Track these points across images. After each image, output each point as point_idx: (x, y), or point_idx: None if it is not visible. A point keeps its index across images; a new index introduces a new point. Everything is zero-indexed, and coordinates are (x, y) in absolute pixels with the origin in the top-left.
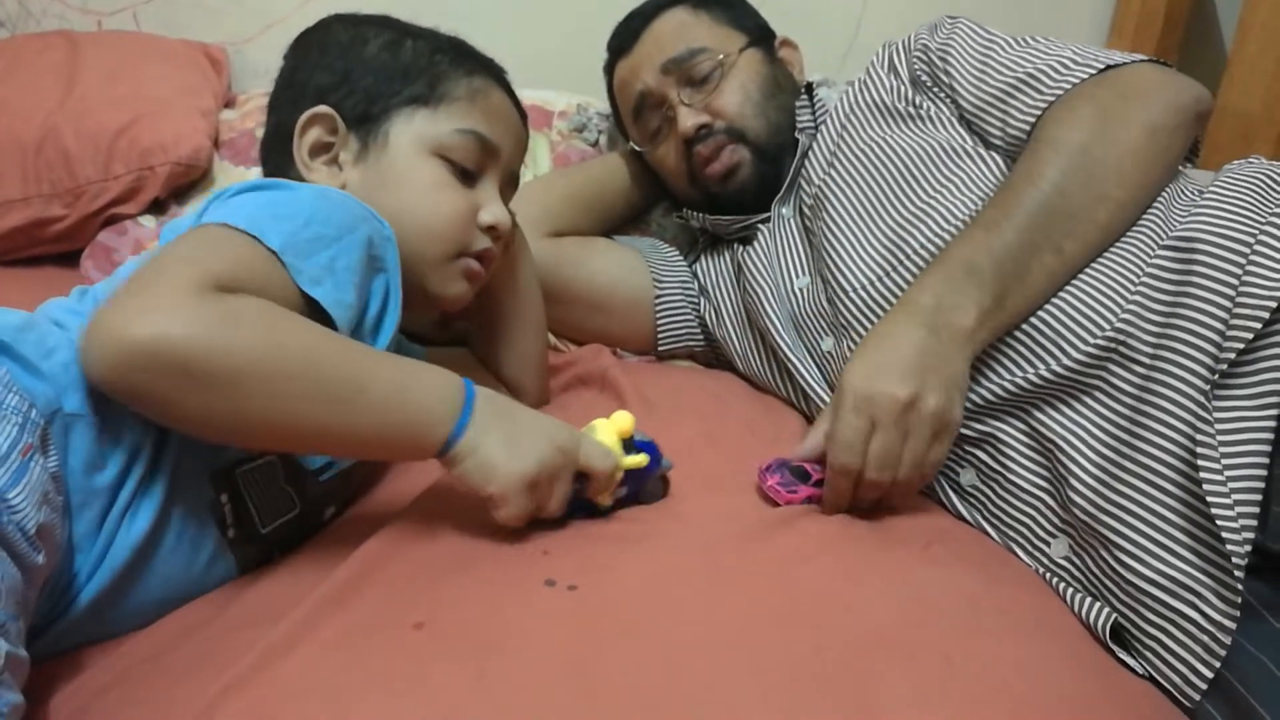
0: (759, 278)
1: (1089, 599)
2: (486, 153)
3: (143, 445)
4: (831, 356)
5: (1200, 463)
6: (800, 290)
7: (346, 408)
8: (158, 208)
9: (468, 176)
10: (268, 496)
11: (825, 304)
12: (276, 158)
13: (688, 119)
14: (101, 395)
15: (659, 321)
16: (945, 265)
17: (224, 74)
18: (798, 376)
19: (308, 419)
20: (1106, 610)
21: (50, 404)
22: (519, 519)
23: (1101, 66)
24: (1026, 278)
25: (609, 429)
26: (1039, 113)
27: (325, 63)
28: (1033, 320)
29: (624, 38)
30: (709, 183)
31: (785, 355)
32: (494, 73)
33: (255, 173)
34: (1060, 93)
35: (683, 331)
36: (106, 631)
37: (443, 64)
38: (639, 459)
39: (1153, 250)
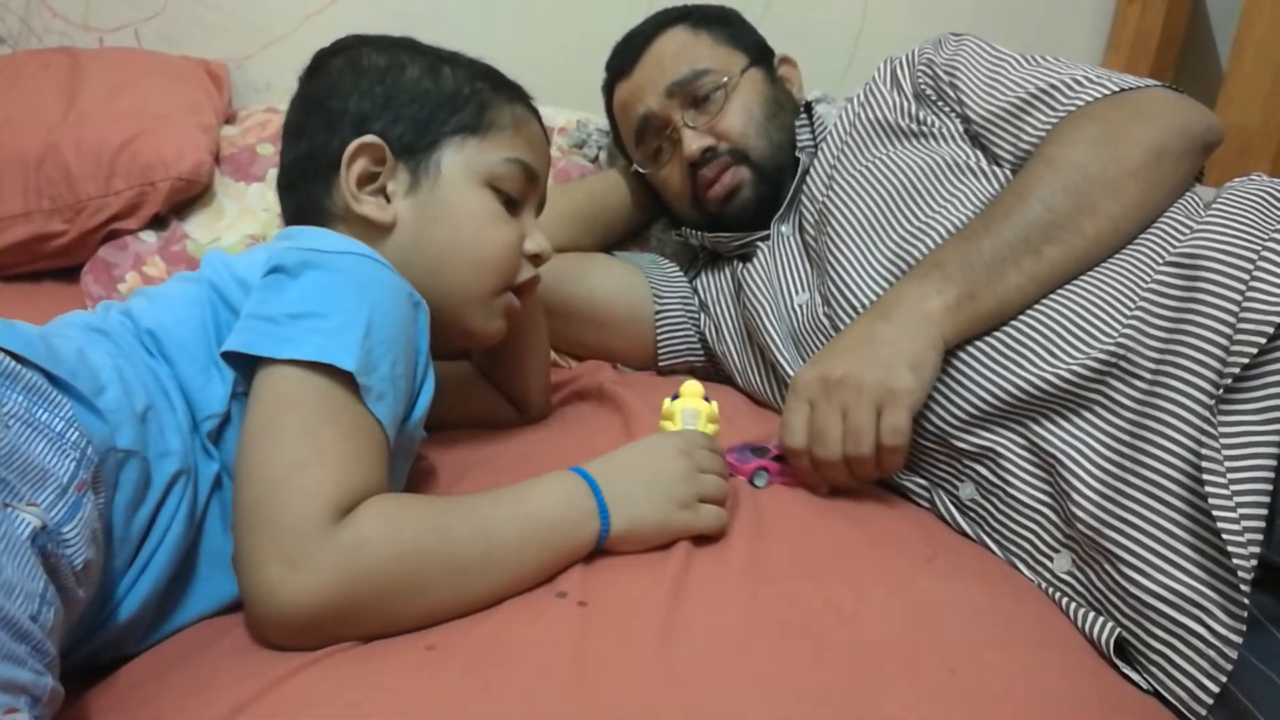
0: (758, 294)
1: (1093, 614)
2: (530, 181)
3: (179, 487)
4: None
5: (1205, 477)
6: (800, 306)
7: (486, 575)
8: (158, 223)
9: (512, 205)
10: None
11: (824, 320)
12: (308, 187)
13: (693, 142)
14: (145, 435)
15: (659, 336)
16: (916, 268)
17: (225, 90)
18: None
19: (455, 599)
20: (1110, 625)
21: (105, 440)
22: (719, 523)
23: (1116, 88)
24: (1000, 276)
25: (694, 397)
26: (1051, 128)
27: (363, 88)
28: (1025, 321)
29: (624, 58)
30: (710, 204)
31: (784, 371)
32: (527, 99)
33: (255, 189)
34: (1074, 109)
35: (683, 346)
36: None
37: (485, 91)
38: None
39: (1154, 267)
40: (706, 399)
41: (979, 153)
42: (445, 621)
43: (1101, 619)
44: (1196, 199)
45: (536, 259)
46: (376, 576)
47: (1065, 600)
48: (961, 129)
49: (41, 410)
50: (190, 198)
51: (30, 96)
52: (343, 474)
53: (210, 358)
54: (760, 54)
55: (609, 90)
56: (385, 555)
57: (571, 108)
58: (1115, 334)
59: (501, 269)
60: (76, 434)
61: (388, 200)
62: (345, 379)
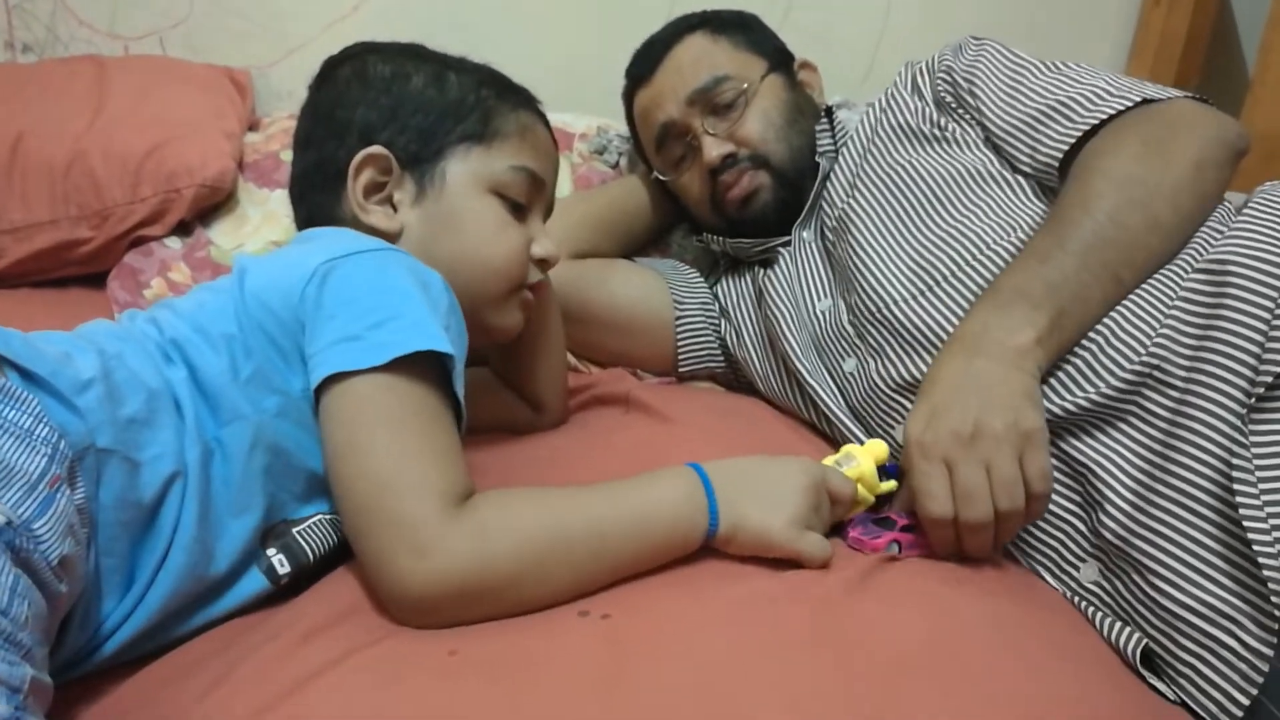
0: (779, 301)
1: (1119, 623)
2: (536, 187)
3: (176, 488)
4: (854, 378)
5: (1236, 487)
6: (822, 313)
7: (601, 560)
8: (183, 229)
9: (518, 210)
10: (320, 537)
11: (847, 326)
12: (319, 196)
13: (713, 149)
14: (135, 436)
15: (680, 342)
16: (995, 294)
17: (248, 97)
18: (818, 400)
19: (574, 582)
20: (1137, 635)
21: (83, 439)
22: (822, 555)
23: (1138, 99)
24: (1084, 304)
25: (867, 455)
26: (1070, 141)
27: (369, 98)
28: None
29: (644, 66)
30: (729, 208)
31: (804, 379)
32: (534, 104)
33: (279, 195)
34: (1094, 122)
35: (703, 353)
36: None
37: (490, 99)
38: (890, 485)
39: (1185, 275)
40: (889, 470)
41: (1001, 160)
42: (565, 602)
43: (1128, 629)
44: (1227, 206)
45: (544, 263)
46: (501, 563)
47: (1091, 610)
48: (982, 136)
49: (7, 409)
50: (214, 204)
51: (57, 104)
52: (442, 465)
53: (239, 367)
54: (780, 59)
55: (629, 97)
56: (507, 546)
57: (592, 114)
58: (1149, 345)
59: (510, 273)
60: (47, 429)
61: (394, 210)
62: (420, 373)
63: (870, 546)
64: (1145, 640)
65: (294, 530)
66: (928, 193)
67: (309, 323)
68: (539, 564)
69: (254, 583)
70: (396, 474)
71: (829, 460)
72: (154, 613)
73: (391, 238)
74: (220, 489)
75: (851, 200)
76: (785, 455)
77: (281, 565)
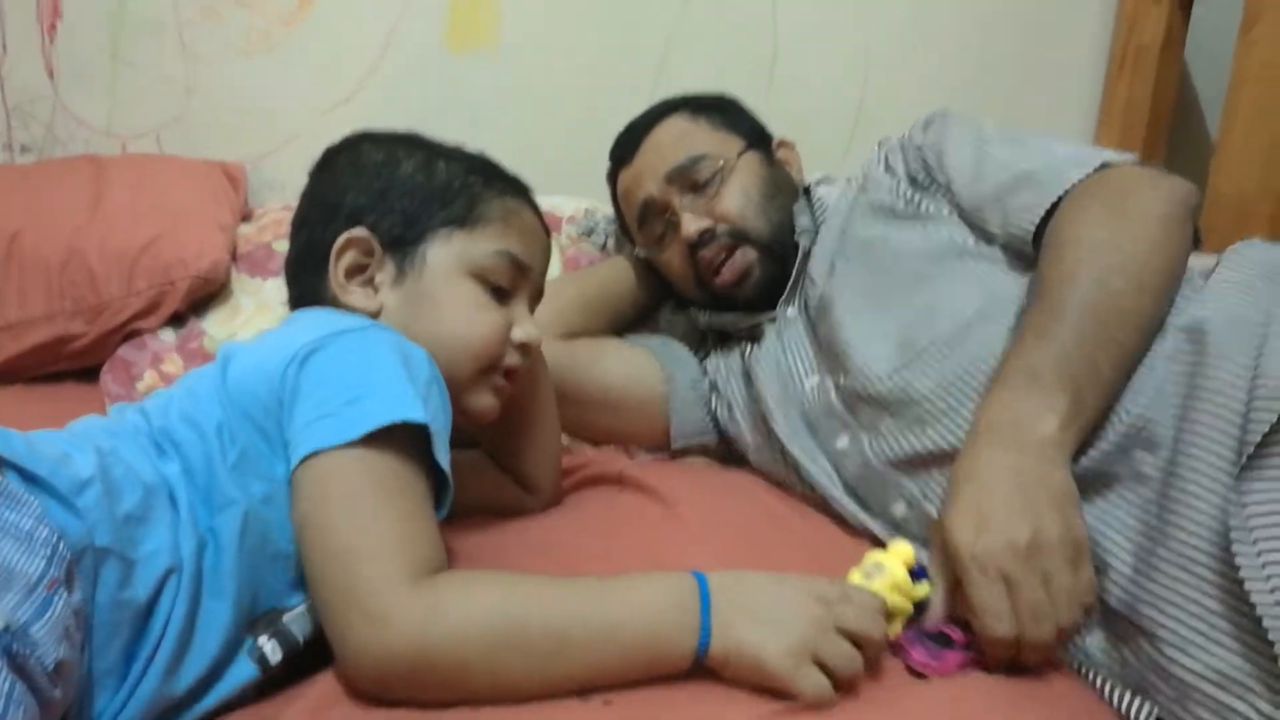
0: (767, 381)
1: (1129, 692)
2: (519, 272)
3: (171, 583)
4: (847, 454)
5: (1235, 548)
6: (811, 390)
7: (561, 662)
8: (176, 321)
9: (500, 294)
10: (311, 623)
11: (837, 403)
12: (308, 277)
13: (690, 224)
14: (131, 533)
15: (672, 418)
16: (1008, 379)
17: (241, 189)
18: (812, 481)
19: (530, 681)
20: (1149, 705)
21: (82, 539)
22: (817, 695)
23: (1098, 164)
24: (1095, 372)
25: (895, 560)
26: (1041, 212)
27: (360, 183)
28: None
29: (625, 148)
30: (720, 288)
31: (797, 457)
32: (522, 191)
33: (272, 284)
34: (1060, 190)
35: (696, 428)
36: None
37: (476, 185)
38: (925, 588)
39: (1163, 335)
40: (916, 572)
41: (975, 232)
42: (525, 701)
43: (1139, 699)
44: (1196, 267)
45: (524, 348)
46: (447, 646)
47: (1099, 680)
48: (954, 210)
49: (8, 511)
50: (208, 295)
51: (53, 202)
52: (404, 537)
53: (227, 452)
54: (757, 137)
55: (613, 178)
56: (456, 629)
57: (580, 197)
58: (1131, 406)
59: (482, 353)
60: (47, 531)
61: (375, 290)
62: (395, 446)
63: (940, 671)
64: (1156, 710)
65: (283, 617)
66: (907, 270)
67: (287, 404)
68: (488, 654)
69: (244, 671)
70: (353, 547)
71: (855, 575)
72: (144, 707)
73: (371, 317)
74: (210, 577)
75: (833, 279)
76: (798, 574)
77: (274, 652)
